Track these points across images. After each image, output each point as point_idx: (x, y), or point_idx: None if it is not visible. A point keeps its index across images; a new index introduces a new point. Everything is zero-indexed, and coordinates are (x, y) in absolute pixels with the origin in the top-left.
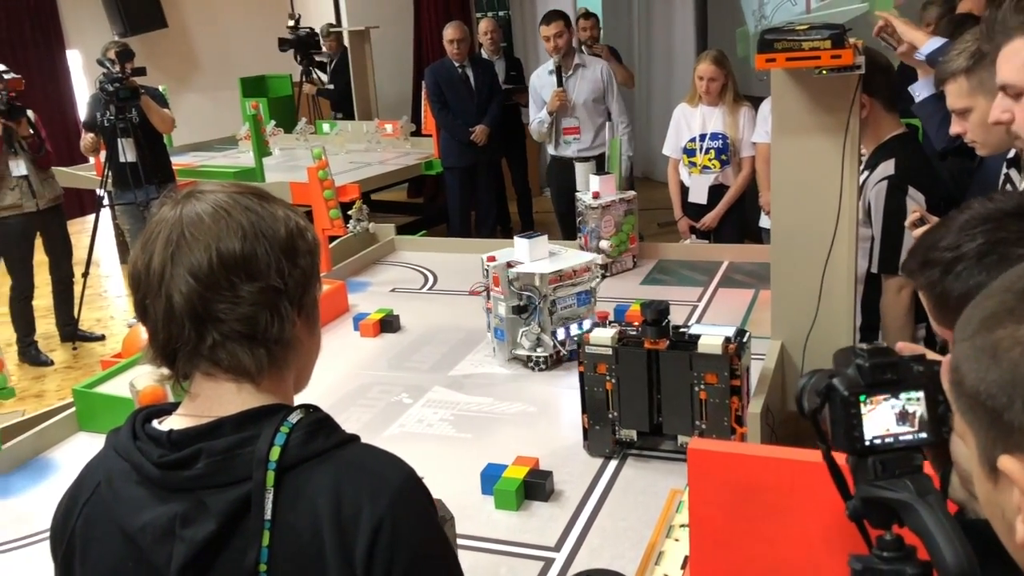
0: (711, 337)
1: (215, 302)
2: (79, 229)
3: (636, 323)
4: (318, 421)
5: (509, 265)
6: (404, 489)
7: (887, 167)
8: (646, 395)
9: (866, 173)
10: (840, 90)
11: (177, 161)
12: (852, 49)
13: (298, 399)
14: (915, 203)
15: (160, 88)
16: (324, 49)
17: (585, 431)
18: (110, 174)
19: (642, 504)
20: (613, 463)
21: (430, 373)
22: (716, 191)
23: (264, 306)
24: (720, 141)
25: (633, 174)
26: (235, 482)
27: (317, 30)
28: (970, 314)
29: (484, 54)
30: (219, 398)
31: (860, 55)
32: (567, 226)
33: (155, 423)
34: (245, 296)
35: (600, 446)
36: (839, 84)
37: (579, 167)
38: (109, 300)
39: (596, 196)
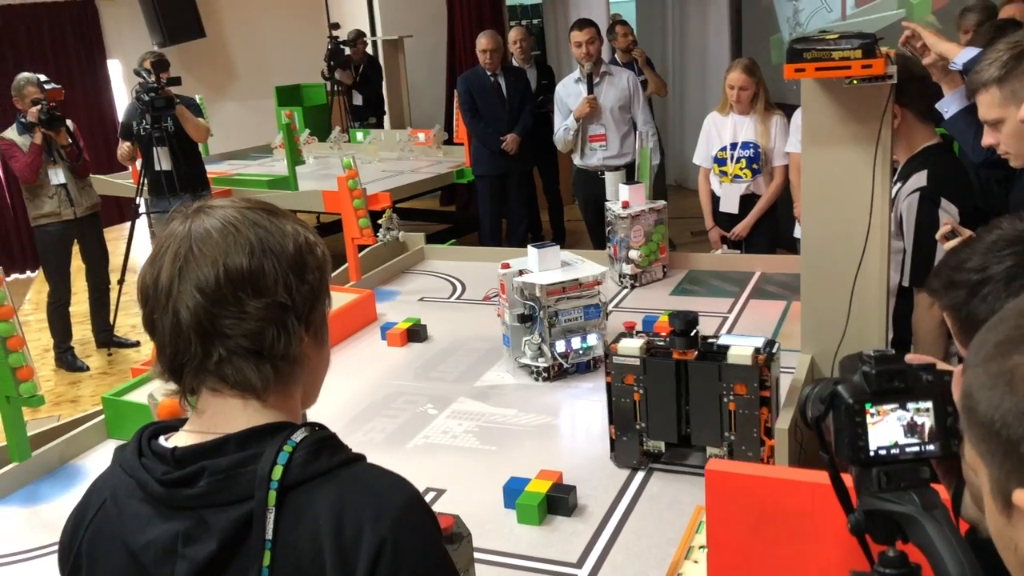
0: (740, 348)
1: (221, 317)
2: (116, 236)
3: (664, 333)
4: (322, 440)
5: (521, 273)
6: (407, 511)
7: (919, 178)
8: (674, 406)
9: (898, 184)
10: (872, 100)
11: (212, 169)
12: (883, 59)
13: (322, 409)
14: (948, 215)
15: (196, 98)
16: (348, 53)
17: (612, 442)
18: (145, 182)
19: (667, 520)
20: (639, 477)
21: (456, 384)
22: (747, 200)
23: (271, 322)
24: (751, 150)
25: (665, 182)
26: (237, 501)
27: (335, 34)
28: (983, 338)
29: (514, 63)
30: (225, 414)
31: (892, 65)
32: (597, 236)
33: (162, 439)
34: (251, 312)
35: (627, 457)
36: (870, 94)
37: (609, 176)
38: None
39: (625, 206)
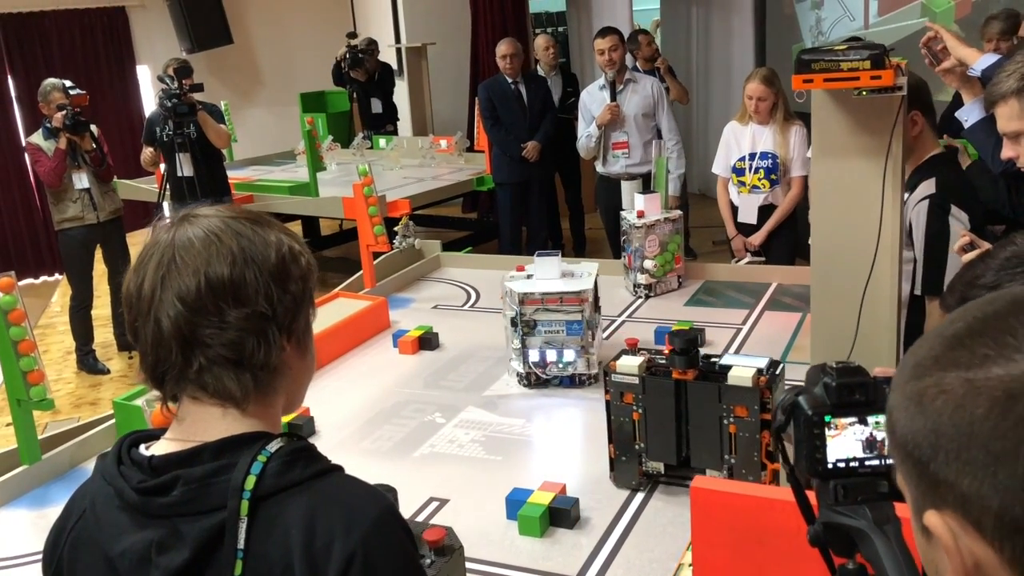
0: (742, 368)
1: (202, 327)
2: (139, 241)
3: (667, 351)
4: (298, 450)
5: (527, 279)
6: (379, 523)
7: (928, 186)
8: (674, 427)
9: (907, 194)
10: (882, 111)
11: (236, 175)
12: (893, 70)
13: (332, 416)
14: (958, 222)
15: (222, 103)
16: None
17: (611, 462)
18: (168, 188)
19: (669, 535)
20: (642, 492)
21: (465, 392)
22: (766, 211)
23: (251, 332)
24: (769, 160)
25: (687, 190)
26: (210, 510)
27: (353, 43)
28: (905, 359)
29: (541, 71)
30: (204, 422)
31: (902, 76)
32: (616, 245)
33: (142, 447)
34: (232, 322)
35: (627, 478)
36: (881, 105)
37: (625, 185)
38: None
39: (640, 215)
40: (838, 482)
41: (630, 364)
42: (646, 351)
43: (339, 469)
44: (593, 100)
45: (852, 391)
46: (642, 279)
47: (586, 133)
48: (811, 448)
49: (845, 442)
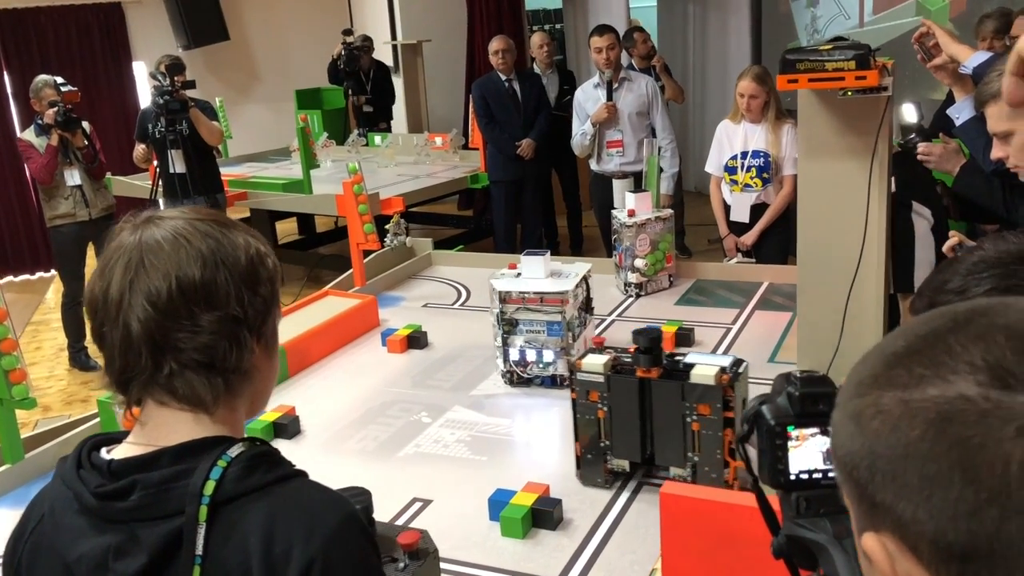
0: (705, 367)
1: (174, 331)
2: None
3: (632, 349)
4: (259, 455)
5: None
6: (340, 530)
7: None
8: (638, 425)
9: None
10: (868, 111)
11: (230, 172)
12: (878, 70)
13: (318, 415)
14: (922, 218)
15: (216, 100)
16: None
17: (578, 460)
18: (160, 185)
19: (652, 537)
20: (626, 493)
21: (452, 392)
22: (758, 210)
23: (223, 336)
24: (761, 159)
25: (683, 189)
26: (168, 516)
27: (349, 40)
28: (849, 375)
29: (537, 68)
30: (168, 426)
31: (888, 76)
32: (610, 243)
33: (104, 451)
34: (205, 325)
35: (592, 475)
36: (867, 105)
37: (616, 184)
38: None
39: (632, 214)
40: (800, 494)
41: (595, 363)
42: (612, 350)
43: (302, 475)
44: (588, 98)
45: (816, 401)
46: (633, 278)
47: (581, 131)
48: (773, 459)
49: (808, 453)
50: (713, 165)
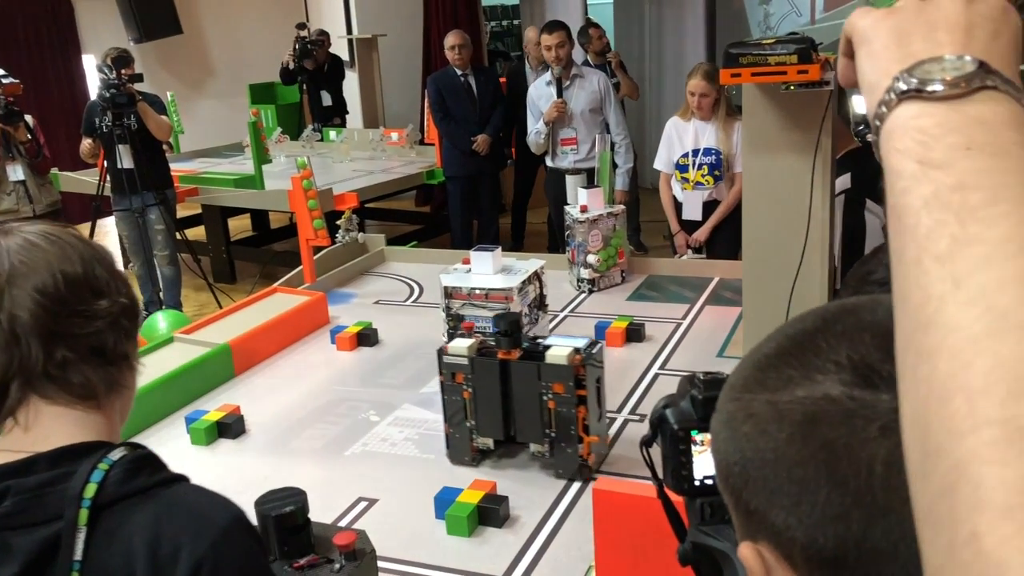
0: (559, 348)
1: (68, 316)
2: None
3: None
4: (141, 458)
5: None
6: (229, 531)
7: (843, 181)
8: (500, 404)
9: None
10: (811, 106)
11: (181, 167)
12: (820, 64)
13: (263, 414)
14: (874, 216)
15: (168, 95)
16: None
17: (447, 439)
18: (108, 180)
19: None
20: (574, 488)
21: (401, 390)
22: (710, 207)
23: (110, 323)
24: (713, 157)
25: (640, 185)
26: (45, 521)
27: (303, 34)
28: (728, 379)
29: (529, 65)
30: (48, 428)
31: (830, 70)
32: (563, 239)
33: None
34: (97, 311)
35: (460, 454)
36: (810, 100)
37: (569, 180)
38: None
39: (584, 210)
40: (705, 500)
41: (461, 346)
42: (480, 334)
43: (185, 479)
44: (541, 95)
45: None
46: (585, 274)
47: (535, 129)
48: (677, 464)
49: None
50: (662, 162)
